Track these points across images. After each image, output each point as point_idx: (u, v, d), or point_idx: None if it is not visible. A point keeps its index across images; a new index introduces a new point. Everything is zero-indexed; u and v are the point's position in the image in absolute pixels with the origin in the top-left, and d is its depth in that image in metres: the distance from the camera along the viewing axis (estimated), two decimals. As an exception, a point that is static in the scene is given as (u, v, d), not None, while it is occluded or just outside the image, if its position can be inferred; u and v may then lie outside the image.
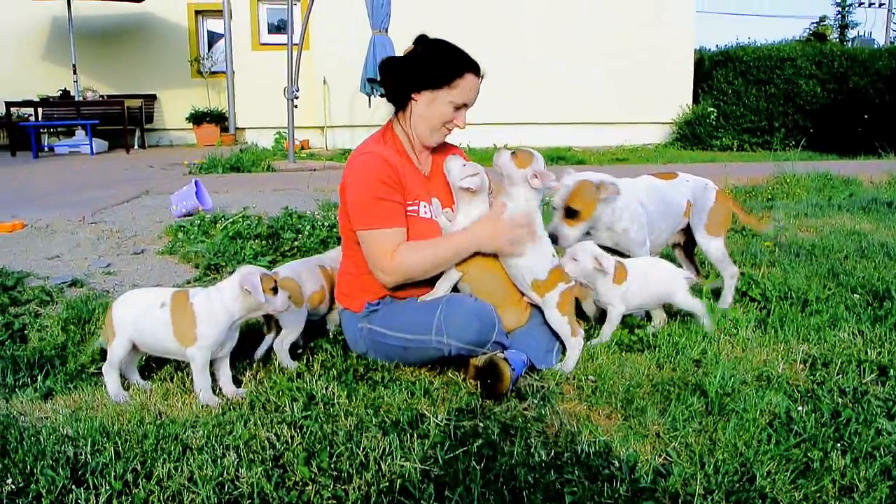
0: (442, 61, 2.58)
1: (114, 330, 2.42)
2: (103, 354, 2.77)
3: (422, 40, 2.64)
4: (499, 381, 2.40)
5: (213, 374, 2.46)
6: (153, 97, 14.91)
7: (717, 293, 3.54)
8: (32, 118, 13.75)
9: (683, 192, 3.39)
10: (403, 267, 2.56)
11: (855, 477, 1.91)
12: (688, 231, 3.53)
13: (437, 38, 2.65)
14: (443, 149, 2.83)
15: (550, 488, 1.84)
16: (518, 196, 2.65)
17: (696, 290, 3.18)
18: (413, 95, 2.62)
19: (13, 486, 1.82)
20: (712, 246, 3.41)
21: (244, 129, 15.00)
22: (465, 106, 2.66)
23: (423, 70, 2.58)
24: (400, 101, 2.69)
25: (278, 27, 15.03)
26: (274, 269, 2.95)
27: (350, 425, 2.17)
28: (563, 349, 2.74)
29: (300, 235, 4.74)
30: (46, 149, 13.66)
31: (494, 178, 2.82)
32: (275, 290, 2.41)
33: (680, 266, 3.68)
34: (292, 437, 2.09)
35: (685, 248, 3.70)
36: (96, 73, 14.70)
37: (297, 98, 10.61)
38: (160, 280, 4.07)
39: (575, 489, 1.83)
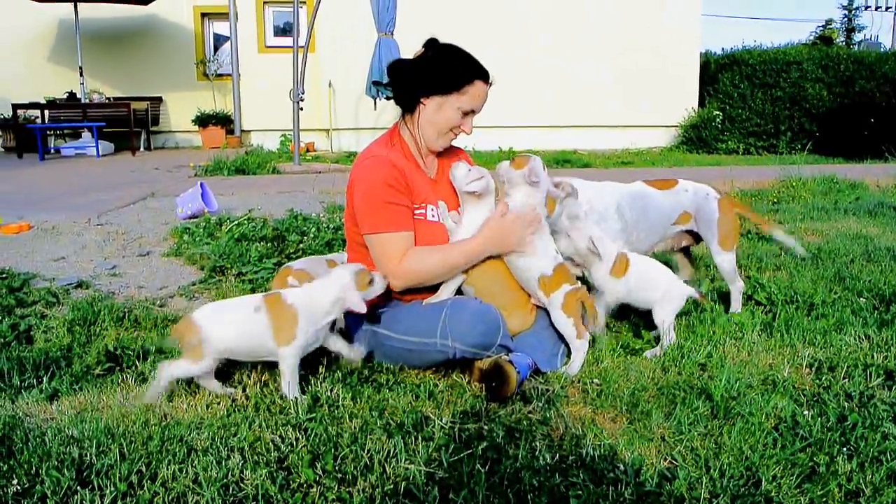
0: (452, 67, 2.58)
1: (202, 350, 2.36)
2: (108, 356, 2.79)
3: (432, 44, 2.64)
4: (504, 384, 2.40)
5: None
6: (159, 99, 14.97)
7: (724, 299, 3.54)
8: (39, 120, 13.82)
9: (680, 201, 3.35)
10: (412, 272, 2.56)
11: (861, 481, 1.90)
12: (684, 237, 3.52)
13: (448, 42, 2.65)
14: (448, 152, 2.83)
15: (555, 491, 1.84)
16: (518, 196, 2.67)
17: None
18: (422, 100, 2.62)
19: (18, 487, 1.82)
20: (724, 260, 3.35)
21: (249, 131, 15.05)
22: (473, 112, 2.66)
23: (433, 75, 2.58)
24: (408, 105, 2.69)
25: (284, 30, 15.09)
26: (287, 263, 2.99)
27: (355, 427, 2.17)
28: (568, 352, 2.73)
29: (305, 238, 4.75)
30: (53, 151, 13.72)
31: (500, 184, 2.83)
32: (371, 281, 2.47)
33: (677, 270, 3.68)
34: (297, 439, 2.08)
35: (685, 251, 3.68)
36: (103, 75, 14.76)
37: (302, 101, 10.64)
38: (165, 282, 4.08)
39: (580, 492, 1.82)
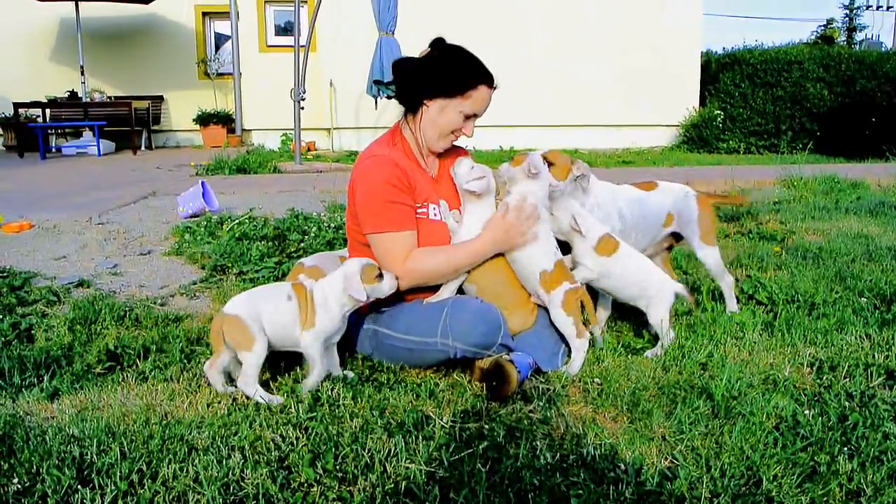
0: (457, 70, 2.56)
1: (253, 337, 2.38)
2: (109, 355, 2.79)
3: (438, 44, 2.62)
4: (504, 384, 2.40)
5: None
6: (160, 98, 14.97)
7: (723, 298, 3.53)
8: (40, 119, 13.83)
9: (664, 202, 3.35)
10: (416, 272, 2.56)
11: (862, 481, 1.90)
12: (667, 238, 3.51)
13: (454, 44, 2.63)
14: (450, 151, 2.82)
15: (556, 491, 1.84)
16: (519, 193, 2.67)
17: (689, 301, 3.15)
18: (425, 101, 2.61)
19: (19, 486, 1.82)
20: (709, 255, 3.35)
21: (251, 130, 15.05)
22: (475, 116, 2.65)
23: (438, 77, 2.56)
24: (411, 105, 2.68)
25: (285, 29, 15.09)
26: (300, 259, 3.05)
27: (355, 427, 2.17)
28: (569, 351, 2.73)
29: (306, 237, 4.75)
30: (54, 150, 13.74)
31: (501, 185, 2.83)
32: (380, 276, 2.47)
33: None
34: (297, 439, 2.09)
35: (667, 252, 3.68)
36: (104, 74, 14.77)
37: (303, 100, 10.64)
38: (166, 281, 4.08)
39: (580, 492, 1.82)
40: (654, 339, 2.96)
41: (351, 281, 2.43)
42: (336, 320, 2.48)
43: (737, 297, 3.48)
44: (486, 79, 2.59)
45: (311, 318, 2.44)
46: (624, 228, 3.17)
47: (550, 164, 2.89)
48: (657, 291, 2.88)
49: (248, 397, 2.39)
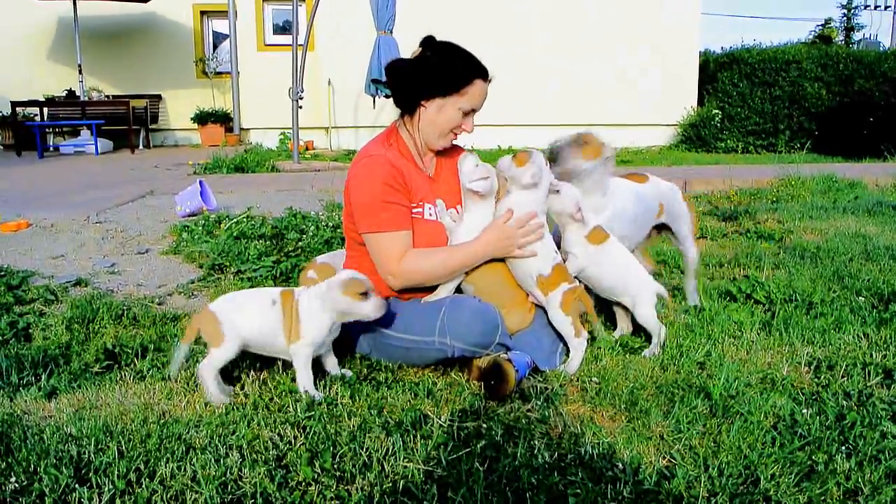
0: (451, 68, 2.56)
1: (223, 334, 2.39)
2: (107, 353, 2.79)
3: (429, 43, 2.62)
4: (502, 383, 2.40)
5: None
6: (158, 97, 14.94)
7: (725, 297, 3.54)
8: (38, 118, 13.78)
9: (656, 194, 3.38)
10: (411, 272, 2.56)
11: (860, 480, 1.90)
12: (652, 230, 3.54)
13: (445, 41, 2.63)
14: (448, 150, 2.82)
15: (554, 490, 1.84)
16: (521, 195, 2.66)
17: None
18: (422, 102, 2.60)
19: (17, 485, 1.82)
20: (697, 253, 3.51)
21: (249, 129, 15.04)
22: (474, 111, 2.65)
23: (432, 77, 2.56)
24: (408, 107, 2.67)
25: (283, 28, 15.08)
26: (314, 257, 3.09)
27: (353, 426, 2.17)
28: (567, 351, 2.73)
29: (304, 236, 4.75)
30: (52, 148, 13.71)
31: (501, 180, 2.82)
32: (365, 295, 2.40)
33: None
34: (295, 438, 2.09)
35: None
36: (102, 73, 14.74)
37: (301, 99, 10.63)
38: (164, 280, 4.07)
39: (578, 491, 1.82)
40: (650, 338, 2.96)
41: (332, 290, 2.40)
42: (324, 330, 2.44)
43: (735, 297, 3.50)
44: (480, 72, 2.59)
45: (297, 329, 2.41)
46: (632, 225, 3.19)
47: (585, 143, 2.90)
48: (637, 291, 2.89)
49: (245, 396, 2.39)
